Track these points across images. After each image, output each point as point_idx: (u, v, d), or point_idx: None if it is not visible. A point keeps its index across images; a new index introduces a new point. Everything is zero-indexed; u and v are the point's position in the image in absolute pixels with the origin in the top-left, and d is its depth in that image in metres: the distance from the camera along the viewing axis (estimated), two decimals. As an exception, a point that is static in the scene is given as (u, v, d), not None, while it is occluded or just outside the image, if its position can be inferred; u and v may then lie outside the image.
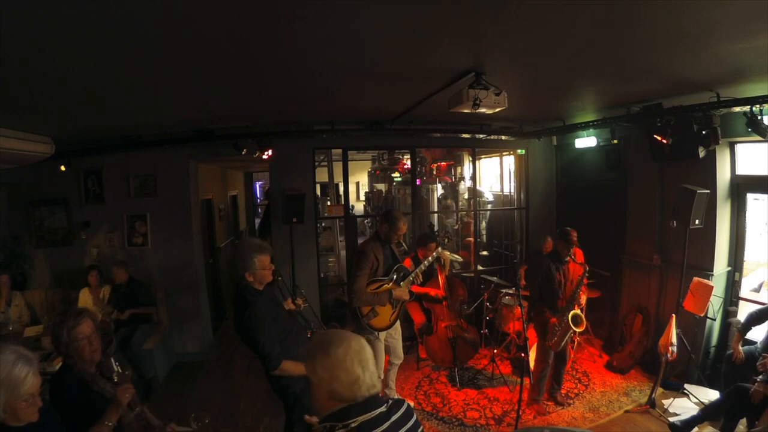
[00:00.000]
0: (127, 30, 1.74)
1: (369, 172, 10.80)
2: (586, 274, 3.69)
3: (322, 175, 6.63)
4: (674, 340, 3.69)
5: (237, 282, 2.48)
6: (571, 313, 3.55)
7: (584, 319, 3.64)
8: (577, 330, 3.58)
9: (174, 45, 1.97)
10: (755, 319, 3.48)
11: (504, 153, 6.88)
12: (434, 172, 7.69)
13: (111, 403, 1.88)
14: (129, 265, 4.67)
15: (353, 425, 1.21)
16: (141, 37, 1.84)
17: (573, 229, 3.69)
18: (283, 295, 2.89)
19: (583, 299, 3.70)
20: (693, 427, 3.24)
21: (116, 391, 1.90)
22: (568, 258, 3.71)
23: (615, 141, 4.55)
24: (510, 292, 4.86)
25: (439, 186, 7.01)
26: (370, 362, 1.29)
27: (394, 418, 1.29)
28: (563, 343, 3.63)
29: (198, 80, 2.68)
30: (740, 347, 3.46)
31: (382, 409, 1.28)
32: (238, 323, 2.43)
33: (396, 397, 3.86)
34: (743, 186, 4.02)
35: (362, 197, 11.43)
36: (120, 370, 2.00)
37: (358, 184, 11.67)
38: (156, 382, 4.48)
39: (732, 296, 4.12)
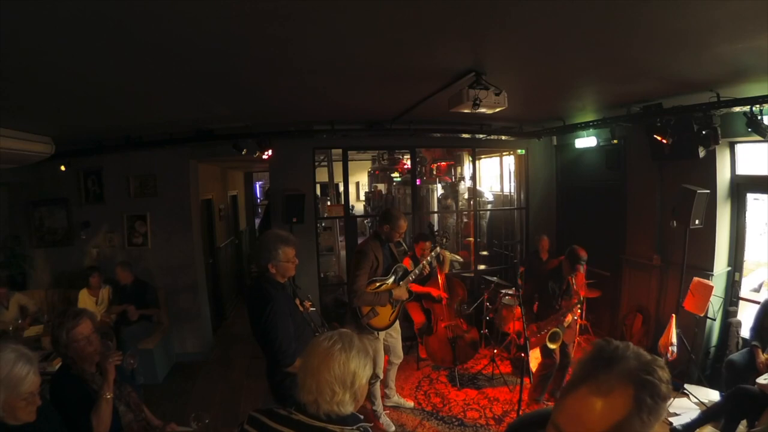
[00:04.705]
0: (127, 30, 1.74)
1: (369, 172, 10.78)
2: (579, 303, 3.67)
3: (322, 175, 6.62)
4: (674, 340, 3.69)
5: (256, 275, 2.37)
6: (551, 330, 3.53)
7: (562, 338, 3.59)
8: (552, 346, 3.55)
9: (174, 45, 1.97)
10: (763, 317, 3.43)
11: (504, 153, 6.88)
12: (434, 172, 7.66)
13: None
14: (132, 266, 4.65)
15: None
16: (141, 39, 1.84)
17: (582, 249, 3.56)
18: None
19: (569, 319, 3.63)
20: (694, 429, 3.23)
21: (103, 363, 1.91)
22: (569, 278, 3.67)
23: (615, 141, 4.54)
24: (510, 292, 4.86)
25: (439, 186, 6.99)
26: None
27: None
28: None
29: (198, 81, 2.68)
30: (763, 356, 3.27)
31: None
32: (257, 317, 2.31)
33: (396, 397, 3.87)
34: (743, 186, 4.02)
35: (362, 197, 11.42)
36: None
37: (358, 184, 11.64)
38: (140, 393, 4.34)
39: (732, 296, 4.11)
